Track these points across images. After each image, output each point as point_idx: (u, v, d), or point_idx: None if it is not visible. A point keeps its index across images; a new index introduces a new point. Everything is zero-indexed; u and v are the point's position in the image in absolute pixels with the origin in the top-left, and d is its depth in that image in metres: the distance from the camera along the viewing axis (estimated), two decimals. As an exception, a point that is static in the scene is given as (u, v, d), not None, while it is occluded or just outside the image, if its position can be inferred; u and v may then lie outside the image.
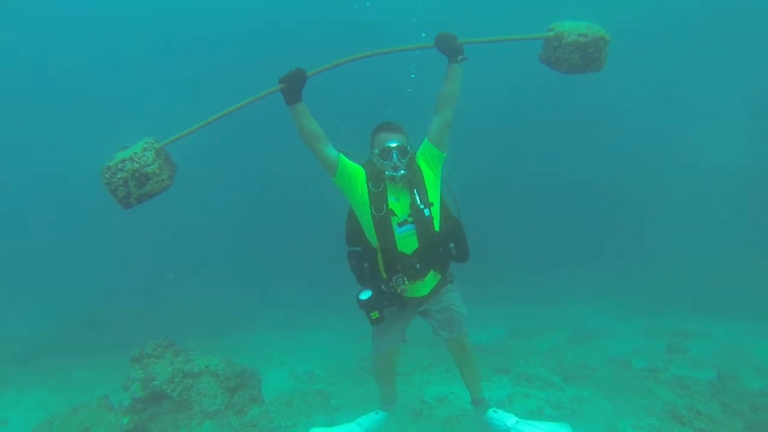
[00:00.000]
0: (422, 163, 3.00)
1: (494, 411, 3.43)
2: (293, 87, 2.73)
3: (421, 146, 3.02)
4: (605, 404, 4.03)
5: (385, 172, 2.86)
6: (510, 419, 3.32)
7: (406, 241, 2.91)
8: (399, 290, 2.92)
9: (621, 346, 6.27)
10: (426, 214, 2.89)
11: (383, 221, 2.88)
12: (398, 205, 2.90)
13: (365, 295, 2.89)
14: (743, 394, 4.22)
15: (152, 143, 2.79)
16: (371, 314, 2.90)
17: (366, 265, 3.00)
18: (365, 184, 2.92)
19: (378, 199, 2.88)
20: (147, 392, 3.80)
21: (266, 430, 3.69)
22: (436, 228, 2.95)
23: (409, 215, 2.89)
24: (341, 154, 2.93)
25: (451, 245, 3.01)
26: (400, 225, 2.89)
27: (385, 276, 2.96)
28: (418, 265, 2.92)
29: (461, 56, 2.84)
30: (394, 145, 2.82)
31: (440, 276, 3.11)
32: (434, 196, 2.98)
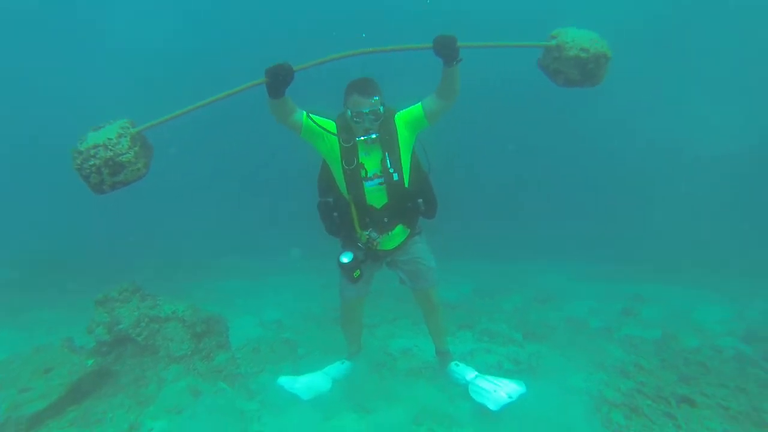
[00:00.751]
0: (400, 124, 2.97)
1: (456, 364, 3.62)
2: (278, 83, 2.61)
3: (410, 109, 2.98)
4: (561, 360, 4.24)
5: (356, 135, 2.86)
6: (469, 373, 3.50)
7: (376, 195, 2.99)
8: (374, 244, 3.05)
9: (580, 307, 6.58)
10: (395, 178, 2.95)
11: (353, 174, 2.94)
12: (368, 159, 2.94)
13: (347, 257, 3.00)
14: (680, 351, 4.55)
15: (127, 128, 2.62)
16: (353, 274, 3.02)
17: (336, 214, 3.06)
18: (336, 139, 2.93)
19: (348, 153, 2.91)
20: (112, 336, 3.79)
21: (233, 376, 3.74)
22: (406, 185, 3.01)
23: (379, 170, 2.95)
24: (305, 115, 2.90)
25: (420, 201, 3.07)
26: (369, 179, 2.96)
27: (358, 230, 3.05)
28: (386, 219, 3.02)
29: (457, 60, 2.69)
30: (366, 111, 2.78)
31: (409, 230, 3.20)
32: (406, 157, 3.00)
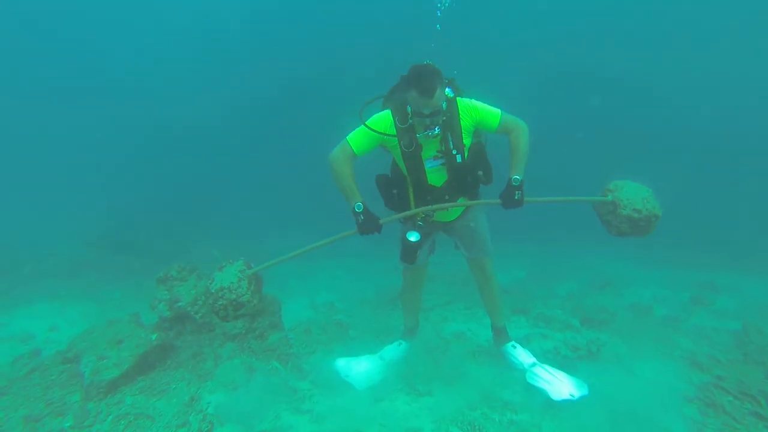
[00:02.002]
0: (464, 111, 2.85)
1: (513, 345, 3.48)
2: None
3: (485, 112, 2.87)
4: (622, 348, 4.00)
5: (418, 132, 2.76)
6: (527, 359, 3.35)
7: (436, 174, 2.95)
8: (430, 219, 3.05)
9: (642, 294, 6.20)
10: (458, 160, 2.87)
11: (413, 155, 2.87)
12: (428, 141, 2.83)
13: (414, 237, 2.93)
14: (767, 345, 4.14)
15: (245, 270, 3.15)
16: (415, 255, 2.99)
17: (395, 191, 3.05)
18: (392, 126, 2.84)
19: (406, 135, 2.82)
20: (172, 312, 3.97)
21: (285, 355, 3.81)
22: (467, 163, 2.92)
23: (438, 151, 2.87)
24: (357, 149, 2.84)
25: (480, 173, 3.00)
26: (429, 159, 2.90)
27: (413, 206, 3.02)
28: (447, 196, 2.98)
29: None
30: (427, 112, 2.64)
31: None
32: (467, 138, 2.92)
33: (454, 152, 2.83)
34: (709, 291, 6.31)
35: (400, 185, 3.04)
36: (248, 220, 13.36)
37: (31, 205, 15.13)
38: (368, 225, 2.78)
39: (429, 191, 2.97)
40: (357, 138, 2.84)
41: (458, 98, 2.86)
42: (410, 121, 2.75)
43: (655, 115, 19.94)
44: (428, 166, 2.91)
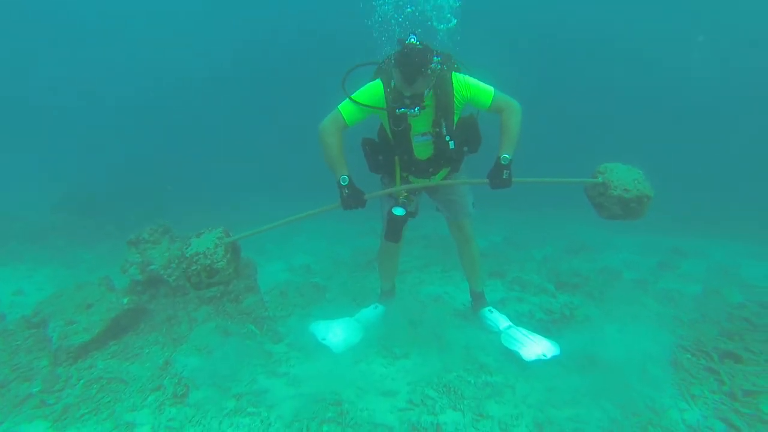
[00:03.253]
0: (459, 89, 2.81)
1: (490, 310, 3.57)
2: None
3: (478, 90, 2.83)
4: (594, 311, 4.11)
5: (399, 108, 2.71)
6: (503, 322, 3.43)
7: (423, 148, 2.98)
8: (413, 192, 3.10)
9: (614, 259, 6.37)
10: (447, 139, 2.87)
11: (402, 133, 2.89)
12: (418, 120, 2.84)
13: (400, 212, 2.94)
14: (724, 306, 4.33)
15: (222, 238, 3.07)
16: (399, 232, 2.99)
17: (380, 158, 3.08)
18: (383, 99, 2.81)
19: (397, 117, 2.80)
20: (145, 276, 3.87)
21: (261, 319, 3.78)
22: (454, 144, 2.91)
23: (428, 131, 2.90)
24: (347, 120, 2.83)
25: (466, 149, 3.05)
26: (418, 136, 2.93)
27: (398, 176, 3.07)
28: (431, 169, 3.07)
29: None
30: (407, 95, 2.62)
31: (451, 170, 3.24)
32: (458, 117, 2.92)
33: (447, 138, 2.85)
34: (677, 256, 6.54)
35: (385, 152, 3.04)
36: (226, 183, 13.11)
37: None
38: (352, 199, 2.79)
39: (414, 163, 3.02)
40: (348, 107, 2.81)
41: (453, 74, 2.81)
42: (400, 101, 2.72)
43: (627, 78, 20.07)
44: (416, 141, 2.93)
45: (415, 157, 2.99)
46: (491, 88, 2.84)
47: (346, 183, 2.78)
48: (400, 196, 3.02)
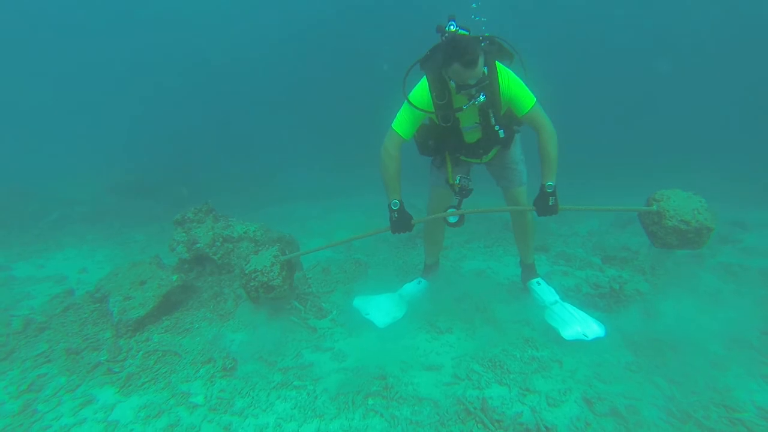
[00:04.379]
0: (503, 82, 2.73)
1: (538, 282, 3.48)
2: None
3: (518, 95, 2.76)
4: (645, 285, 3.91)
5: (457, 104, 2.72)
6: (551, 297, 3.33)
7: (472, 133, 2.96)
8: (467, 185, 3.11)
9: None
10: (501, 135, 2.87)
11: (452, 128, 2.89)
12: (466, 114, 2.81)
13: (454, 219, 3.06)
14: (797, 280, 4.03)
15: (278, 256, 3.40)
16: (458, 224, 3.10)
17: (431, 142, 3.09)
18: (430, 103, 2.78)
19: (443, 109, 2.78)
20: (191, 254, 4.00)
21: (305, 295, 3.85)
22: (503, 134, 2.91)
23: (477, 123, 2.88)
24: (399, 130, 2.84)
25: (516, 127, 3.04)
26: (466, 127, 2.92)
27: (450, 171, 3.10)
28: (481, 150, 3.05)
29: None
30: (473, 83, 2.52)
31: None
32: (505, 108, 2.85)
33: (497, 128, 2.83)
34: (737, 228, 6.11)
35: (435, 136, 3.04)
36: (266, 165, 13.34)
37: (53, 154, 15.33)
38: (401, 224, 2.89)
39: (464, 147, 3.02)
40: (401, 122, 2.82)
41: (498, 64, 2.74)
42: (448, 96, 2.73)
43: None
44: (465, 130, 2.93)
45: (465, 142, 2.98)
46: (533, 98, 2.75)
47: (396, 207, 2.87)
48: (455, 182, 3.07)
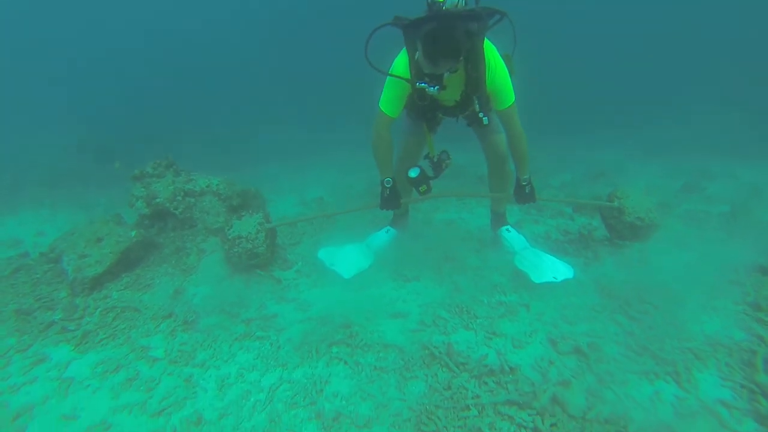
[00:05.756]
0: (489, 67, 2.59)
1: (508, 230, 3.47)
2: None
3: (500, 88, 2.65)
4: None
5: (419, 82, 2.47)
6: (521, 243, 3.32)
7: (448, 99, 2.83)
8: (445, 162, 3.09)
9: (636, 183, 6.10)
10: (485, 123, 2.82)
11: (428, 107, 2.86)
12: (444, 93, 2.63)
13: (414, 173, 2.97)
14: (755, 223, 4.14)
15: (263, 224, 3.34)
16: (420, 188, 2.99)
17: (412, 114, 3.06)
18: (407, 69, 2.61)
19: (418, 89, 2.56)
20: (151, 209, 3.83)
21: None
22: (487, 121, 2.88)
23: (456, 102, 2.78)
24: (385, 109, 2.75)
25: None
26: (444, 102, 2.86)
27: (429, 140, 3.09)
28: (458, 111, 2.92)
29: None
30: (427, 71, 2.38)
31: None
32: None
33: (481, 115, 2.81)
34: (704, 178, 6.23)
35: (416, 111, 3.00)
36: (237, 124, 12.89)
37: (3, 116, 14.45)
38: (391, 201, 2.97)
39: (440, 108, 2.94)
40: (386, 100, 2.74)
41: (486, 45, 2.56)
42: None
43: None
44: (442, 101, 2.85)
45: (440, 104, 2.89)
46: (513, 96, 2.72)
47: (389, 185, 2.95)
48: (434, 158, 3.07)
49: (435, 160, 3.06)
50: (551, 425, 1.94)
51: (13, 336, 2.81)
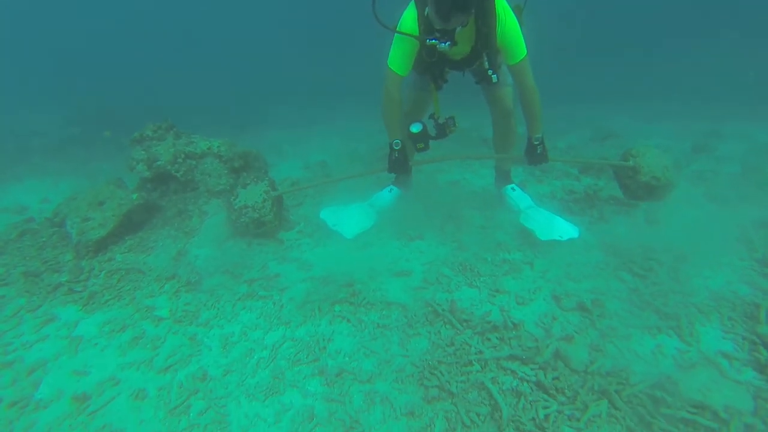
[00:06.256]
0: (501, 22, 2.52)
1: (513, 188, 3.43)
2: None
3: (511, 42, 2.58)
4: (619, 192, 3.89)
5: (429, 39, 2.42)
6: (525, 202, 3.28)
7: (458, 52, 2.73)
8: (451, 127, 3.00)
9: (644, 144, 5.96)
10: (494, 80, 2.80)
11: (436, 64, 2.78)
12: (454, 49, 2.56)
13: (416, 128, 2.90)
14: (764, 182, 4.05)
15: (269, 192, 3.27)
16: (417, 145, 2.93)
17: (419, 69, 2.94)
18: (416, 26, 2.55)
19: (428, 46, 2.53)
20: (152, 172, 3.80)
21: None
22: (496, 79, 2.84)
23: (465, 56, 2.70)
24: (394, 67, 2.70)
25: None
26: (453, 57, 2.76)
27: (436, 101, 3.01)
28: (466, 66, 2.88)
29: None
30: (437, 27, 2.34)
31: None
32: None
33: (490, 72, 2.76)
34: (714, 139, 6.08)
35: (423, 67, 2.90)
36: (243, 96, 12.70)
37: (4, 86, 14.29)
38: (399, 164, 2.93)
39: (448, 63, 2.85)
40: (395, 58, 2.68)
41: (500, 4, 2.50)
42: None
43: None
44: (451, 55, 2.76)
45: (449, 59, 2.79)
46: (525, 50, 2.63)
47: (398, 147, 2.90)
48: (439, 121, 2.98)
49: (440, 122, 2.98)
50: (553, 379, 1.95)
51: (23, 297, 2.86)
